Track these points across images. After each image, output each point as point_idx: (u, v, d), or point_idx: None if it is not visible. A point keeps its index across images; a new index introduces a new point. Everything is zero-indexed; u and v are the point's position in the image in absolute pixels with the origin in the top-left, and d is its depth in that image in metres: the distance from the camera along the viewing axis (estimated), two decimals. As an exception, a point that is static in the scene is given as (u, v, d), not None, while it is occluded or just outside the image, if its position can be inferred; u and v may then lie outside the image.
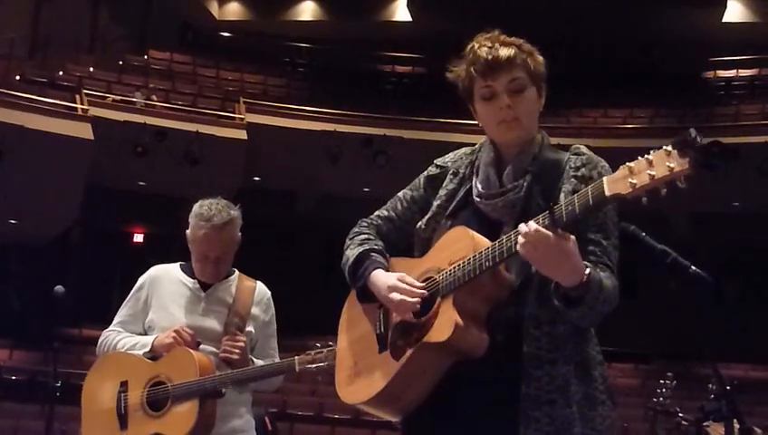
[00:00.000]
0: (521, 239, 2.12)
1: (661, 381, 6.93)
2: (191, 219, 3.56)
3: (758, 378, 15.96)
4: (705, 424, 6.08)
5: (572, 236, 2.11)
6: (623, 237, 2.04)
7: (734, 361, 15.63)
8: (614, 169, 2.05)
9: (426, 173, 2.62)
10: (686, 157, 1.92)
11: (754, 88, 20.41)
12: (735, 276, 18.15)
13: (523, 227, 2.12)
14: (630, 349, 16.82)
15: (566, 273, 2.13)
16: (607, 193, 2.02)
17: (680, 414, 6.74)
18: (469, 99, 2.47)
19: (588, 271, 2.14)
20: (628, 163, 2.01)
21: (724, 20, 21.18)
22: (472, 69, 2.41)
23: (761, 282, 18.38)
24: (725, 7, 21.12)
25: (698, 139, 1.92)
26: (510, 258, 2.21)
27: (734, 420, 4.99)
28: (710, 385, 5.95)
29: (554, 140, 2.46)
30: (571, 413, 2.25)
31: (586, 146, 2.44)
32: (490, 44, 2.40)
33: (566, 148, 2.47)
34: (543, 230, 2.08)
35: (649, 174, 1.95)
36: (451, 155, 2.62)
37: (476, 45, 2.43)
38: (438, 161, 2.62)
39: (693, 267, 2.64)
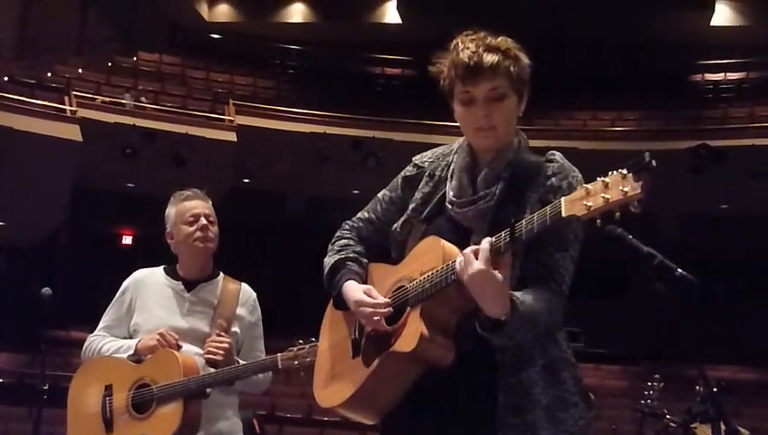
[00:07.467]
0: (458, 258, 2.16)
1: (649, 383, 6.94)
2: (170, 209, 3.66)
3: (746, 379, 16.02)
4: (692, 426, 6.10)
5: (499, 274, 2.11)
6: (610, 239, 2.05)
7: (722, 362, 15.66)
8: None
9: (403, 173, 2.61)
10: (639, 181, 1.94)
11: (742, 91, 20.48)
12: (723, 279, 18.23)
13: (466, 250, 2.15)
14: (618, 350, 16.87)
15: (489, 302, 2.15)
16: (563, 214, 2.04)
17: (668, 416, 6.75)
18: (449, 97, 2.44)
19: (510, 308, 2.15)
20: (586, 184, 2.03)
21: (712, 23, 21.24)
22: (452, 72, 2.36)
23: (748, 284, 18.46)
24: (714, 11, 21.18)
25: (652, 163, 1.93)
26: None
27: (721, 422, 5.02)
28: (697, 387, 5.98)
29: (543, 143, 2.46)
30: (538, 416, 2.26)
31: (574, 149, 2.44)
32: (474, 48, 2.33)
33: (555, 150, 2.45)
34: (470, 255, 2.12)
35: (604, 197, 1.97)
36: (429, 154, 2.60)
37: (460, 46, 2.36)
38: (417, 160, 2.59)
39: (679, 270, 2.65)
